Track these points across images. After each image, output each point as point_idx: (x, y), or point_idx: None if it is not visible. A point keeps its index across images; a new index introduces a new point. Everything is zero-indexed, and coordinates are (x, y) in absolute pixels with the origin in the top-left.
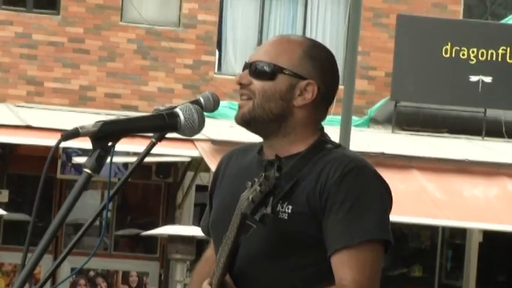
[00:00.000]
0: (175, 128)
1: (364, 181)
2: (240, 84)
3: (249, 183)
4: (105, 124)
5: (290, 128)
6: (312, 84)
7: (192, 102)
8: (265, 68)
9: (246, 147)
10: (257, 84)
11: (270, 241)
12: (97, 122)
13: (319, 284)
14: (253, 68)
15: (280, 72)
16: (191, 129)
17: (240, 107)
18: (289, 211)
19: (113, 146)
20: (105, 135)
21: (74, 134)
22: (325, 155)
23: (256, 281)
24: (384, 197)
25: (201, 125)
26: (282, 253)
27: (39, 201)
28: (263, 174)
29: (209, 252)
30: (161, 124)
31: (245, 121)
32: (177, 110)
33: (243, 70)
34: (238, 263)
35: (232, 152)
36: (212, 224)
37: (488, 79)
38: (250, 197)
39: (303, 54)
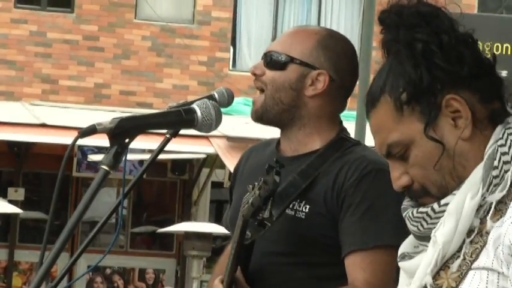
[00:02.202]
0: (192, 124)
1: (382, 184)
2: (254, 74)
3: (250, 186)
4: (122, 121)
5: (305, 119)
6: (323, 74)
7: (207, 98)
8: (277, 58)
9: (266, 143)
10: (269, 74)
11: (286, 240)
12: (114, 118)
13: (333, 285)
14: (267, 59)
15: (291, 62)
16: (208, 126)
17: (253, 103)
18: (307, 210)
19: (130, 142)
20: (122, 132)
21: (91, 131)
22: (344, 154)
23: (270, 279)
24: (401, 200)
25: (218, 121)
26: (298, 252)
27: (56, 200)
28: (262, 178)
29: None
30: (178, 120)
31: (258, 116)
32: (194, 106)
33: (261, 60)
34: (254, 260)
35: (252, 148)
36: (231, 220)
37: (503, 73)
38: (250, 201)
39: (316, 44)
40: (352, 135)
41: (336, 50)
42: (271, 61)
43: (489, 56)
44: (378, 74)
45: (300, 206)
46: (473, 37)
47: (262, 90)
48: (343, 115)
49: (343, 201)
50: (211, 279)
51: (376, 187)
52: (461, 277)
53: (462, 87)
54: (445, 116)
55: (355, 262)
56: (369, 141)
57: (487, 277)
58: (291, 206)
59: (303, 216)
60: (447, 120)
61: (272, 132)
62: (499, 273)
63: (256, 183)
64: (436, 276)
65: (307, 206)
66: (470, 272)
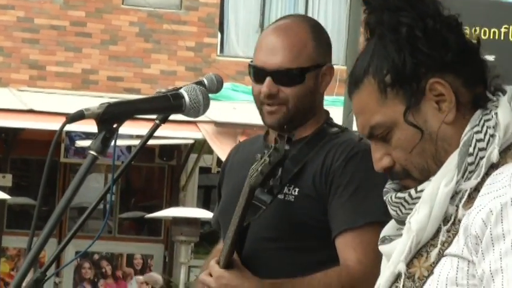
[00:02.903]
0: (180, 109)
1: (369, 165)
2: (269, 95)
3: (259, 155)
4: (110, 106)
5: (312, 113)
6: (330, 67)
7: (196, 84)
8: (293, 74)
9: (253, 138)
10: (287, 90)
11: (277, 223)
12: (102, 104)
13: (324, 267)
14: (278, 77)
15: (307, 72)
16: (196, 111)
17: (270, 112)
18: (296, 193)
19: (118, 127)
20: (111, 117)
21: (79, 116)
22: (332, 139)
23: (263, 262)
24: (387, 179)
25: (205, 106)
26: (288, 237)
27: (44, 185)
28: (272, 145)
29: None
30: (166, 105)
31: (281, 126)
32: (182, 91)
33: (257, 75)
34: (247, 244)
35: (239, 144)
36: (221, 212)
37: (491, 58)
38: (259, 169)
39: (314, 44)
40: (340, 120)
41: (324, 38)
42: (286, 79)
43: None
44: (361, 55)
45: (289, 190)
46: (457, 20)
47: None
48: (332, 100)
49: (331, 183)
50: (206, 260)
51: (363, 168)
52: (434, 266)
53: (446, 71)
54: (429, 100)
55: (346, 242)
56: (357, 127)
57: (458, 264)
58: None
59: (292, 199)
60: (431, 104)
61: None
62: (469, 261)
63: (265, 151)
64: (409, 263)
65: (296, 189)
66: (442, 259)
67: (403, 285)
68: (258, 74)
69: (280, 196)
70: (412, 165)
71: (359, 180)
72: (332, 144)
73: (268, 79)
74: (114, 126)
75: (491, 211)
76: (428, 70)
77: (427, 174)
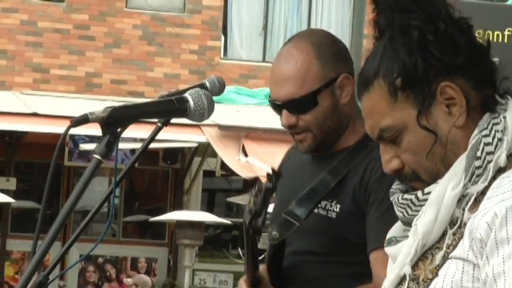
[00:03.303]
0: (184, 113)
1: None
2: (289, 126)
3: (250, 192)
4: (115, 110)
5: (344, 123)
6: (344, 77)
7: (198, 86)
8: (304, 101)
9: None
10: (305, 118)
11: (319, 239)
12: (106, 108)
13: (361, 279)
14: (291, 107)
15: (318, 93)
16: (200, 114)
17: (299, 141)
18: (338, 210)
19: (122, 131)
20: (115, 121)
21: (84, 120)
22: (372, 151)
23: (303, 277)
24: None
25: (210, 110)
26: (331, 251)
27: (48, 189)
28: (257, 186)
29: None
30: (171, 109)
31: (313, 150)
32: (187, 95)
33: (275, 109)
34: (287, 258)
35: (294, 146)
36: (272, 218)
37: (495, 60)
38: (248, 208)
39: (319, 62)
40: None
41: (331, 51)
42: (299, 108)
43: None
44: (370, 56)
45: (331, 206)
46: (468, 22)
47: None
48: None
49: (368, 198)
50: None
51: None
52: (438, 269)
53: (457, 75)
54: (440, 103)
55: (378, 259)
56: None
57: (463, 267)
58: (321, 205)
59: (334, 216)
60: (441, 108)
61: (265, 122)
62: (474, 264)
63: (252, 191)
64: (414, 266)
65: (338, 206)
66: (447, 261)
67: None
68: (275, 107)
69: (323, 212)
70: (422, 168)
71: None
72: (371, 156)
73: (284, 112)
74: (119, 130)
75: (496, 215)
76: (439, 73)
77: (435, 177)
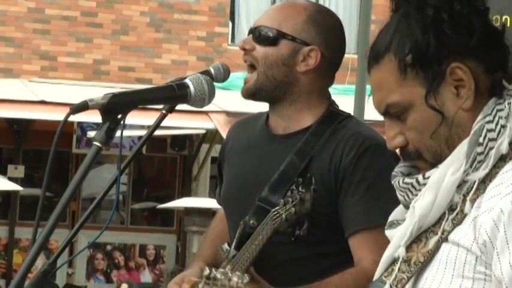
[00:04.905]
0: (185, 99)
1: (380, 161)
2: (244, 49)
3: (282, 200)
4: (114, 96)
5: (296, 95)
6: (315, 50)
7: (202, 73)
8: (268, 33)
9: (253, 117)
10: (260, 50)
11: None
12: (106, 94)
13: (336, 261)
14: (256, 34)
15: (282, 37)
16: (201, 100)
17: (245, 81)
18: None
19: (123, 118)
20: (115, 108)
21: (83, 107)
22: (338, 129)
23: (273, 260)
24: None
25: (211, 95)
26: (300, 234)
27: (49, 175)
28: (298, 196)
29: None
30: (171, 95)
31: (250, 93)
32: (187, 80)
33: (248, 35)
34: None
35: (239, 123)
36: (224, 199)
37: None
38: (284, 216)
39: (306, 19)
40: (351, 109)
41: (325, 25)
42: (261, 36)
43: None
44: (384, 29)
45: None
46: (485, 4)
47: (252, 67)
48: (343, 89)
49: (342, 180)
50: (195, 257)
51: (375, 164)
52: (431, 253)
53: (469, 56)
54: (448, 84)
55: (361, 242)
56: (368, 115)
57: (466, 257)
58: (293, 188)
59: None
60: (449, 89)
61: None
62: (477, 256)
63: (289, 199)
64: (408, 247)
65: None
66: (446, 245)
67: (398, 269)
68: (247, 34)
69: (288, 193)
70: (425, 147)
71: (371, 177)
72: (339, 136)
73: (249, 36)
74: (119, 116)
75: (502, 211)
76: (451, 54)
77: (439, 158)
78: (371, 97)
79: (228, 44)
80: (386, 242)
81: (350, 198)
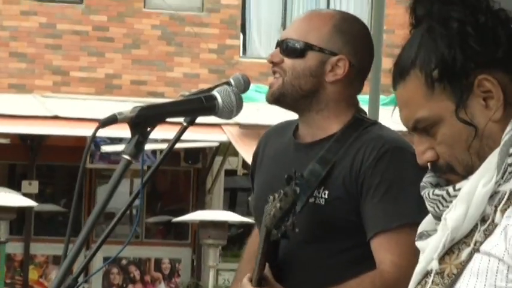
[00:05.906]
0: (213, 111)
1: (399, 163)
2: (272, 62)
3: (271, 197)
4: (143, 109)
5: (322, 104)
6: (343, 59)
7: (224, 84)
8: (295, 45)
9: (282, 126)
10: (288, 62)
11: (308, 227)
12: (135, 107)
13: (359, 267)
14: (283, 46)
15: (309, 49)
16: (229, 112)
17: (270, 86)
18: (326, 196)
19: (151, 131)
20: (143, 121)
21: (112, 120)
22: (361, 135)
23: (297, 268)
24: (420, 176)
25: (239, 107)
26: (321, 238)
27: (79, 193)
28: (281, 191)
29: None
30: (199, 107)
31: (275, 98)
32: (215, 92)
33: (276, 48)
34: (281, 252)
35: (269, 133)
36: (254, 207)
37: None
38: (272, 212)
39: (333, 29)
40: None
41: (352, 33)
42: (288, 49)
43: None
44: (407, 44)
45: (319, 193)
46: (507, 13)
47: (275, 72)
48: None
49: (362, 184)
50: (235, 277)
51: (394, 166)
52: (463, 264)
53: (495, 67)
54: (477, 96)
55: (380, 244)
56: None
57: (498, 267)
58: (313, 194)
59: (323, 203)
60: (478, 101)
61: (284, 119)
62: (509, 266)
63: (276, 195)
64: (440, 259)
65: (326, 192)
66: (478, 255)
67: (432, 281)
68: (275, 46)
69: (311, 199)
70: (457, 160)
71: (390, 179)
72: (362, 141)
73: (276, 49)
74: (148, 129)
75: None
76: (477, 66)
77: (470, 170)
78: (384, 107)
79: (240, 56)
80: (407, 243)
81: (370, 201)
